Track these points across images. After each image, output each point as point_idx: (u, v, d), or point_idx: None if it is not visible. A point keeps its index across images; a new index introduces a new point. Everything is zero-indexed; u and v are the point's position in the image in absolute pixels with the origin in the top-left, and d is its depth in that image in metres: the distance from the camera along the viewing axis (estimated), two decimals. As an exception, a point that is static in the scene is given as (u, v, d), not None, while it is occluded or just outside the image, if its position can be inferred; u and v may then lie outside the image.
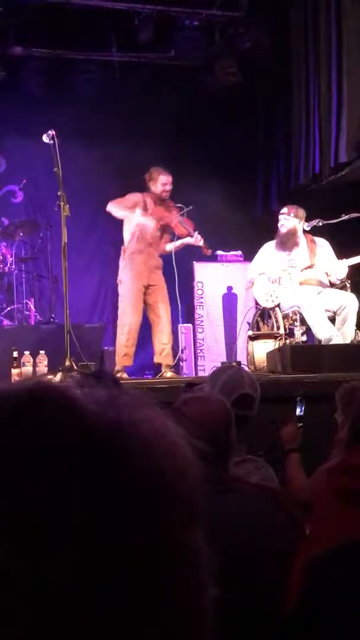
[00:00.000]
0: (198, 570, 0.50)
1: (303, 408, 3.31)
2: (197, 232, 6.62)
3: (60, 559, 0.45)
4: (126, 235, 6.62)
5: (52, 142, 5.59)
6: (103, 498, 0.47)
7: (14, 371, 5.66)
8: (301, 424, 3.24)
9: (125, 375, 6.35)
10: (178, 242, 6.62)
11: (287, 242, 6.24)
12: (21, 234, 8.00)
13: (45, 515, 0.46)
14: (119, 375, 6.27)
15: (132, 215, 6.46)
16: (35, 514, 0.46)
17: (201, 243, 6.63)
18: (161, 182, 6.51)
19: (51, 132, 5.60)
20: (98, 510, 0.47)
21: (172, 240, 6.66)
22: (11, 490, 0.46)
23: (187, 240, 6.63)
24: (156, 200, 6.54)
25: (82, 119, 7.95)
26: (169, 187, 6.56)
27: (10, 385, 0.52)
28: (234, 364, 5.77)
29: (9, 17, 7.61)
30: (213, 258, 7.58)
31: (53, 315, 7.78)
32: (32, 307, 7.91)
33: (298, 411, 3.30)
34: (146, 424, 0.51)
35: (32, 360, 5.79)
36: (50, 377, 5.24)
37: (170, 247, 6.63)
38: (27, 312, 7.89)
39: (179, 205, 6.67)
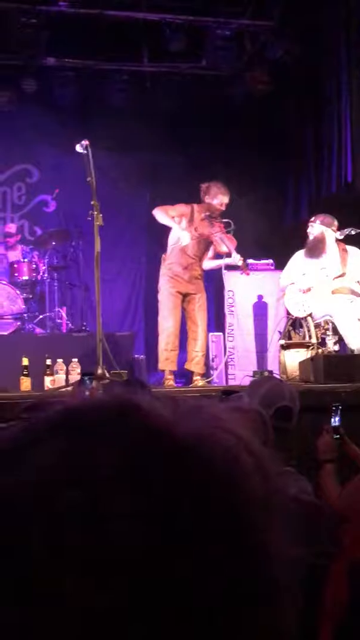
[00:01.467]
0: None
1: (339, 418, 3.28)
2: (235, 252, 6.65)
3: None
4: (169, 243, 6.66)
5: (85, 151, 5.64)
6: (208, 511, 0.46)
7: (47, 379, 5.70)
8: (337, 435, 3.21)
9: (171, 382, 6.42)
10: (216, 263, 6.72)
11: (314, 250, 6.22)
12: (53, 243, 8.08)
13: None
14: (167, 380, 6.35)
15: (175, 226, 6.50)
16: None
17: (240, 263, 6.65)
18: (218, 200, 6.56)
19: (85, 142, 5.64)
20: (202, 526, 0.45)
21: (215, 256, 6.73)
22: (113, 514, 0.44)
23: (226, 260, 6.67)
24: (204, 214, 6.57)
25: (112, 129, 8.02)
26: (223, 207, 6.60)
27: (86, 402, 0.52)
28: (266, 373, 5.76)
29: (42, 28, 7.70)
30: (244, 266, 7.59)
31: (84, 324, 7.84)
32: (63, 315, 7.97)
33: (334, 421, 3.27)
34: (225, 431, 0.50)
35: (65, 367, 5.83)
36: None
37: (208, 265, 6.74)
38: (59, 320, 7.94)
39: (225, 220, 6.68)
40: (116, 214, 8.40)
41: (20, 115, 8.36)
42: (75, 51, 8.23)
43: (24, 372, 5.49)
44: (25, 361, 5.53)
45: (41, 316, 7.79)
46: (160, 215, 6.60)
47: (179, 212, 6.56)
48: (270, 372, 6.02)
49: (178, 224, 6.50)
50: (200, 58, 8.40)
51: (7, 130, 8.46)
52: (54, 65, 8.30)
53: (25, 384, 5.42)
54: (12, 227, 8.34)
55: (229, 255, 6.63)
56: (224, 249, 6.63)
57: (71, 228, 8.41)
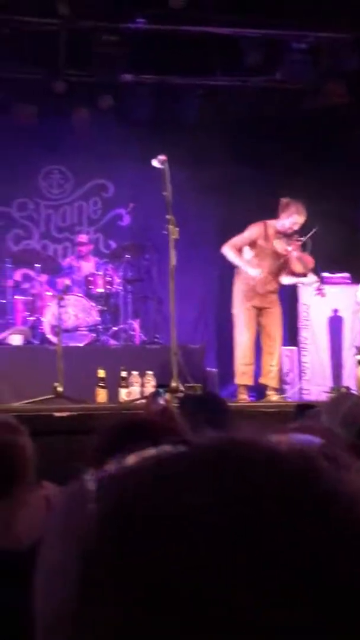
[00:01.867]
0: None
1: None
2: (311, 273, 6.58)
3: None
4: (244, 257, 6.62)
5: (162, 166, 5.70)
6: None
7: (123, 390, 5.75)
8: None
9: (245, 396, 6.40)
10: (292, 280, 6.67)
11: None
12: (127, 256, 8.18)
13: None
14: (240, 394, 6.33)
15: (244, 267, 6.46)
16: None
17: (316, 285, 6.57)
18: (292, 220, 6.48)
19: (162, 157, 5.71)
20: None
21: (292, 272, 6.68)
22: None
23: (301, 279, 6.61)
24: (278, 231, 6.51)
25: (186, 143, 8.08)
26: (296, 227, 6.53)
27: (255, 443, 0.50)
28: (344, 389, 5.67)
29: (119, 46, 7.83)
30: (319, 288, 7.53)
31: (157, 336, 7.89)
32: (136, 327, 8.04)
33: None
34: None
35: (140, 380, 5.87)
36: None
37: (285, 280, 6.70)
38: (132, 333, 8.02)
39: (302, 238, 6.61)
40: (189, 228, 8.43)
41: (97, 131, 8.51)
42: (151, 67, 8.34)
43: (100, 384, 5.56)
44: (101, 373, 5.60)
45: (115, 328, 7.88)
46: (229, 253, 6.56)
47: (250, 237, 6.51)
48: (348, 388, 5.92)
49: (251, 247, 6.47)
50: (275, 71, 8.39)
51: (84, 146, 8.62)
52: (130, 81, 8.42)
53: (101, 395, 5.48)
54: (84, 238, 8.51)
55: (304, 275, 6.57)
56: (299, 268, 6.56)
57: (145, 241, 8.50)
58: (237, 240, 6.57)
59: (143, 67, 8.32)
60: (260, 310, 6.58)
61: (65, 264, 8.42)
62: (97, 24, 7.72)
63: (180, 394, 5.18)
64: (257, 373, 6.78)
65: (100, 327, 7.62)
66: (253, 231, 6.54)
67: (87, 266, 8.21)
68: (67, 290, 5.54)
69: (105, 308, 7.84)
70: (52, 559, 0.49)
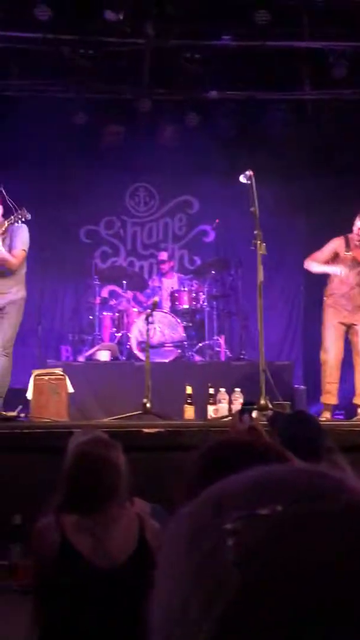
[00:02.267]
0: None
1: None
2: None
3: None
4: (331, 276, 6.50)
5: (249, 182, 5.67)
6: None
7: (210, 407, 5.71)
8: None
9: (328, 415, 6.24)
10: None
11: None
12: (213, 272, 8.17)
13: None
14: (324, 414, 6.18)
15: (329, 269, 6.36)
16: None
17: None
18: (356, 225, 6.36)
19: (249, 173, 5.68)
20: None
21: None
22: None
23: None
24: (357, 242, 6.38)
25: (272, 158, 8.02)
26: None
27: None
28: None
29: (204, 63, 7.87)
30: None
31: (243, 352, 7.82)
32: (222, 343, 8.00)
33: None
34: None
35: (227, 397, 5.82)
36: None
37: None
38: (218, 349, 7.98)
39: None
40: (275, 243, 8.36)
41: (183, 149, 8.56)
42: (236, 82, 8.35)
43: (188, 400, 5.53)
44: (188, 389, 5.57)
45: (200, 344, 7.86)
46: (312, 265, 6.46)
47: (328, 253, 6.39)
48: None
49: (333, 260, 6.35)
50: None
51: (170, 163, 8.69)
52: (216, 98, 8.44)
53: (189, 412, 5.46)
54: (164, 255, 8.56)
55: None
56: None
57: (230, 257, 8.47)
58: (318, 254, 6.47)
59: (228, 83, 8.33)
60: (349, 328, 6.42)
61: (150, 281, 8.50)
62: (183, 42, 7.78)
63: (269, 412, 5.10)
64: (345, 391, 6.60)
65: (185, 343, 7.62)
66: (334, 244, 6.42)
67: (170, 283, 8.25)
68: (156, 306, 5.56)
69: (190, 324, 7.84)
70: (176, 588, 0.49)
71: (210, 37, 7.84)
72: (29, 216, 5.81)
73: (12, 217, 5.82)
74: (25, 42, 7.58)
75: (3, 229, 5.84)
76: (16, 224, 5.85)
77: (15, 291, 5.99)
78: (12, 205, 5.83)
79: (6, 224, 5.83)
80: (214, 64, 7.97)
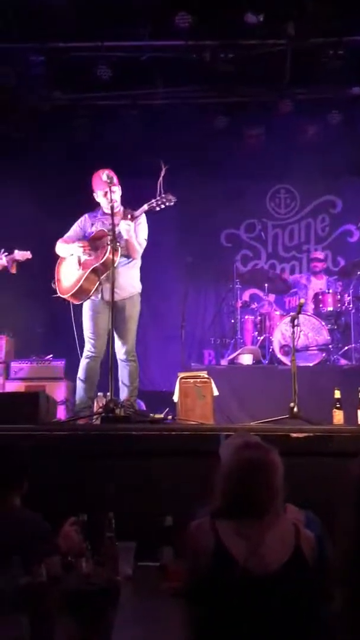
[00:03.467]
0: None
1: None
2: None
3: None
4: None
5: None
6: None
7: (360, 412, 5.52)
8: None
9: None
10: None
11: None
12: (358, 273, 7.92)
13: None
14: None
15: None
16: None
17: None
18: None
19: None
20: None
21: None
22: None
23: None
24: None
25: None
26: None
27: None
28: None
29: (346, 59, 7.66)
30: None
31: (391, 356, 7.55)
32: (369, 346, 7.75)
33: None
34: None
35: (377, 402, 5.61)
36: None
37: None
38: (364, 352, 7.74)
39: None
40: None
41: (324, 148, 8.39)
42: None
43: (337, 405, 5.38)
44: (337, 393, 5.43)
45: (346, 347, 7.66)
46: None
47: None
48: None
49: None
50: None
51: (312, 163, 8.54)
52: (358, 94, 8.21)
53: (338, 417, 5.31)
54: (320, 254, 8.43)
55: None
56: None
57: (376, 257, 8.21)
58: None
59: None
60: None
61: (294, 281, 8.37)
62: (324, 40, 7.63)
63: None
64: None
65: (330, 346, 7.45)
66: None
67: (318, 284, 8.09)
68: (301, 308, 5.44)
69: (335, 327, 7.66)
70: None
71: (352, 33, 7.63)
72: (173, 201, 5.46)
73: (154, 200, 5.47)
74: (167, 51, 7.70)
75: (141, 212, 5.54)
76: (158, 208, 5.49)
77: (132, 285, 5.77)
78: (160, 187, 5.47)
79: (146, 207, 5.50)
80: (355, 60, 7.75)
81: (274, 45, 7.70)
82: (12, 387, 6.95)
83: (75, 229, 5.88)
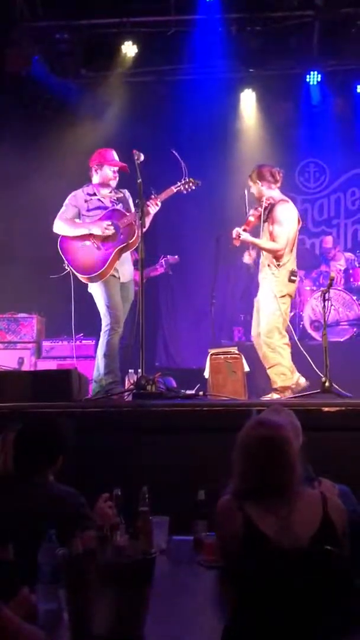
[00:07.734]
0: None
1: None
2: None
3: None
4: None
5: None
6: None
7: (392, 387, 5.48)
8: None
9: None
10: None
11: None
12: (389, 247, 7.84)
13: None
14: None
15: None
16: None
17: None
18: None
19: None
20: None
21: None
22: None
23: None
24: None
25: None
26: None
27: None
28: None
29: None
30: None
31: None
32: None
33: None
34: None
35: None
36: None
37: None
38: None
39: None
40: None
41: (354, 119, 8.27)
42: None
43: (368, 380, 5.35)
44: (368, 368, 5.39)
45: (377, 322, 7.59)
46: None
47: None
48: None
49: None
50: None
51: (341, 136, 8.42)
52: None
53: (370, 391, 5.28)
54: (328, 242, 8.34)
55: None
56: None
57: None
58: None
59: None
60: None
61: (328, 256, 8.28)
62: (352, 10, 7.49)
63: None
64: None
65: (361, 321, 7.39)
66: None
67: (335, 264, 8.04)
68: (332, 282, 5.36)
69: (366, 302, 7.59)
70: None
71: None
72: (197, 184, 5.47)
73: (180, 184, 5.45)
74: (193, 25, 7.62)
75: (165, 196, 5.44)
76: (185, 192, 5.49)
77: (130, 272, 5.72)
78: (184, 170, 5.42)
79: (174, 189, 5.46)
80: None
81: (301, 16, 7.59)
82: (44, 365, 7.02)
83: (70, 207, 5.61)
